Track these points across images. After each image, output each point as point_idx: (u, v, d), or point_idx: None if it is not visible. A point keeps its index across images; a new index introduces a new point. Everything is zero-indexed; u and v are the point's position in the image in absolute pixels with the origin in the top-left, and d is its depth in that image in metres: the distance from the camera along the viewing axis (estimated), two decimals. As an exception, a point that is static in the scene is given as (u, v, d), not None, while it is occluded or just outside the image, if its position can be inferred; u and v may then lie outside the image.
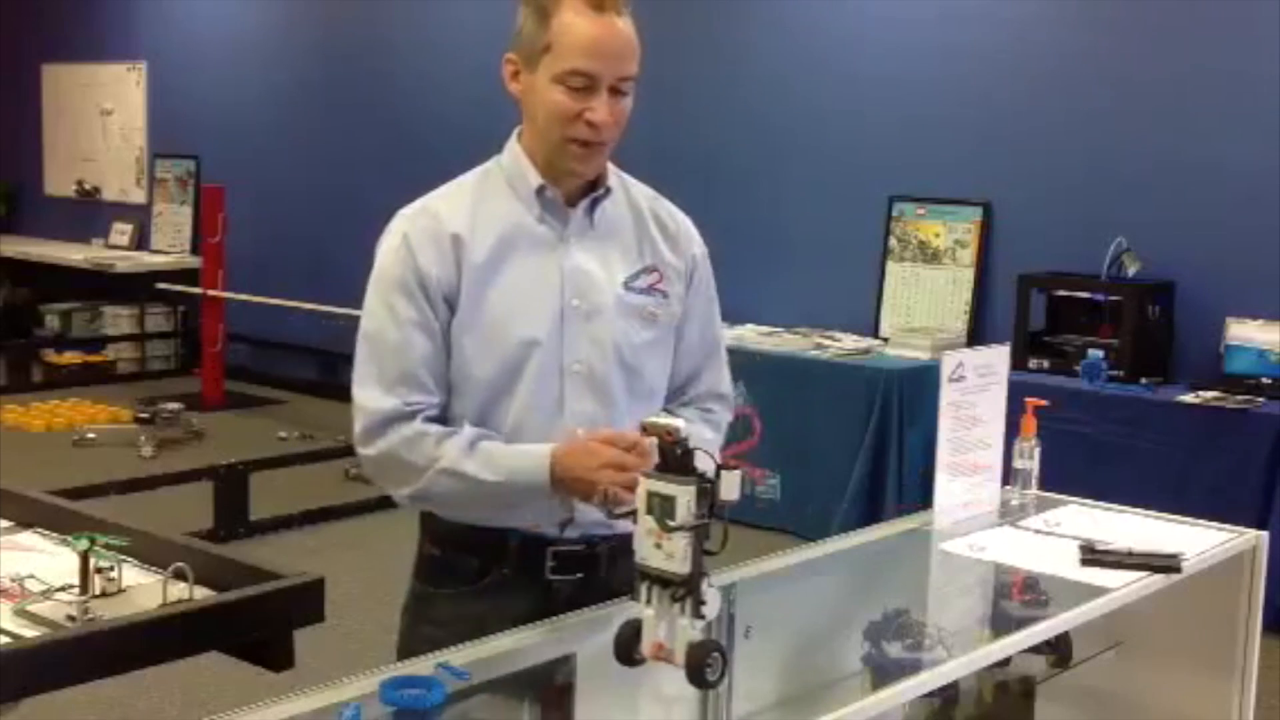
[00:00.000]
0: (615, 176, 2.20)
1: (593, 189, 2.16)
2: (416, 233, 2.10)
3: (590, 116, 2.04)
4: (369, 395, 2.08)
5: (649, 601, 1.67)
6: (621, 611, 1.85)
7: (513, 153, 2.17)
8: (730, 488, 1.64)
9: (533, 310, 2.09)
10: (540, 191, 2.13)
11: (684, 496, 1.63)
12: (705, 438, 2.17)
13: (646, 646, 1.68)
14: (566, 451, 2.00)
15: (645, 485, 1.66)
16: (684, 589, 1.65)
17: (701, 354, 2.28)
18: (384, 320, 2.09)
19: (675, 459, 1.66)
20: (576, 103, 2.04)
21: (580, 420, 2.08)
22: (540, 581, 2.13)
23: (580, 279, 2.12)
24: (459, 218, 2.11)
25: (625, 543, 2.15)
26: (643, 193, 2.25)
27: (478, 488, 2.03)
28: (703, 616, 1.65)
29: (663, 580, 1.65)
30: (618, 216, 2.19)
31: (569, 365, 2.10)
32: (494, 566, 2.13)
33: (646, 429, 1.73)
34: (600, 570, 2.15)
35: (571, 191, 2.15)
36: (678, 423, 1.69)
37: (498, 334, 2.08)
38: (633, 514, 1.67)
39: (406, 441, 2.05)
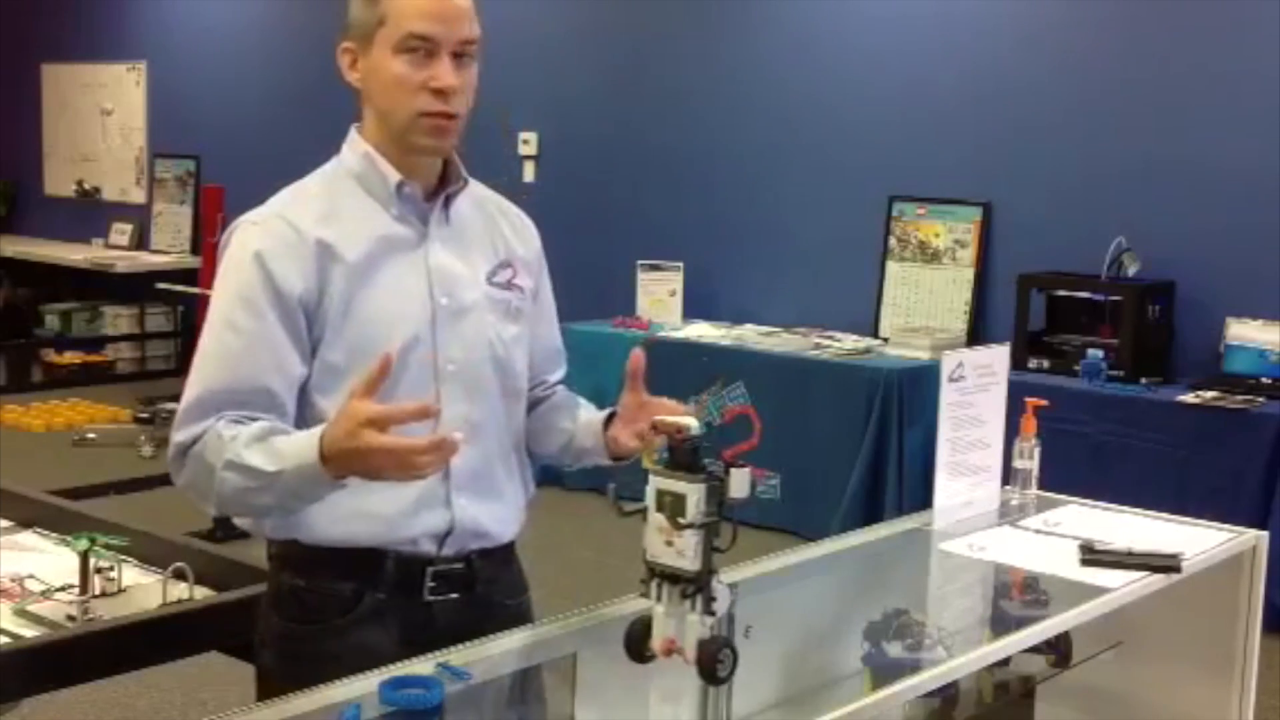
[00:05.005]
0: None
1: (444, 184, 2.09)
2: (272, 243, 1.98)
3: (434, 83, 1.98)
4: (188, 415, 1.93)
5: (659, 598, 1.68)
6: (625, 610, 1.85)
7: (359, 151, 2.07)
8: (740, 486, 1.65)
9: (407, 312, 2.01)
10: (399, 188, 2.04)
11: (694, 494, 1.64)
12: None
13: (657, 643, 1.69)
14: (331, 421, 1.82)
15: (656, 483, 1.67)
16: (694, 586, 1.65)
17: (553, 345, 2.27)
18: (221, 335, 1.97)
19: (685, 457, 1.67)
20: (419, 71, 1.98)
21: (457, 424, 1.94)
22: (419, 604, 2.02)
23: (446, 277, 2.05)
24: (319, 223, 2.00)
25: (502, 555, 2.12)
26: (481, 188, 2.18)
27: (260, 481, 1.84)
28: (713, 613, 1.66)
29: (673, 577, 1.66)
30: (469, 212, 2.13)
31: (443, 367, 2.02)
32: (368, 592, 2.00)
33: (657, 427, 1.73)
34: (478, 587, 2.07)
35: (427, 187, 2.08)
36: (689, 421, 1.69)
37: (374, 339, 1.95)
38: (642, 512, 1.68)
39: (205, 445, 1.90)
